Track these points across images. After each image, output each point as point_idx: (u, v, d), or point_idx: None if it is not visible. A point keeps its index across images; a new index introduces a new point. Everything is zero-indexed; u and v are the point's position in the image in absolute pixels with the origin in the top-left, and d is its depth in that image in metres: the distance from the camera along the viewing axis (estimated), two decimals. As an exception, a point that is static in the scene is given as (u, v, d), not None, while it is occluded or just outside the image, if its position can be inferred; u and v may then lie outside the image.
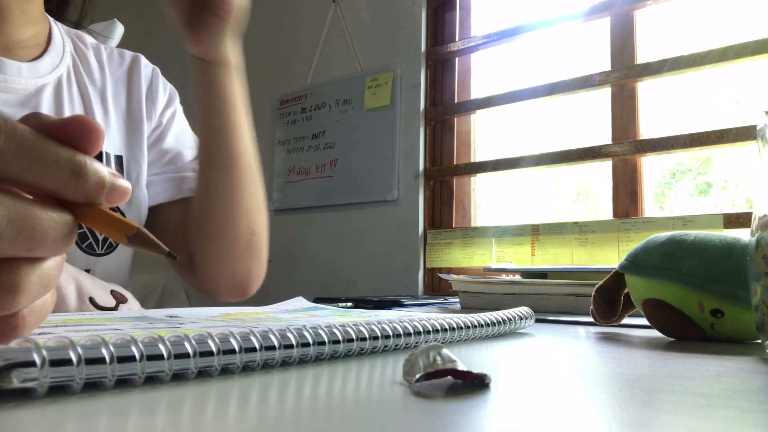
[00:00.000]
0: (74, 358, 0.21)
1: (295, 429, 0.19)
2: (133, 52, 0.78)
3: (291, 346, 0.29)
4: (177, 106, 0.80)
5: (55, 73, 0.66)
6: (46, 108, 0.64)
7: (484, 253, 1.56)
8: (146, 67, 0.78)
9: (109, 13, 0.89)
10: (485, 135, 1.74)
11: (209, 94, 0.67)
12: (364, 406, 0.22)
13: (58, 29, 0.70)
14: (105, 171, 0.25)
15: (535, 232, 1.45)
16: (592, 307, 0.62)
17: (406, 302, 0.96)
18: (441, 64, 1.76)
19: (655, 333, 0.56)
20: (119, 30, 0.88)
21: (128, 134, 0.72)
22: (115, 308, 0.53)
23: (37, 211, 0.23)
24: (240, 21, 0.69)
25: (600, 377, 0.31)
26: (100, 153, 0.67)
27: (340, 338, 0.32)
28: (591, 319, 0.65)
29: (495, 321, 0.45)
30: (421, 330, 0.38)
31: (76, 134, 0.24)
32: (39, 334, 0.31)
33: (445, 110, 1.72)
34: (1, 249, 0.22)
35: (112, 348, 0.22)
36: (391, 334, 0.35)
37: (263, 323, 0.39)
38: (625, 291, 0.60)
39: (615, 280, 0.60)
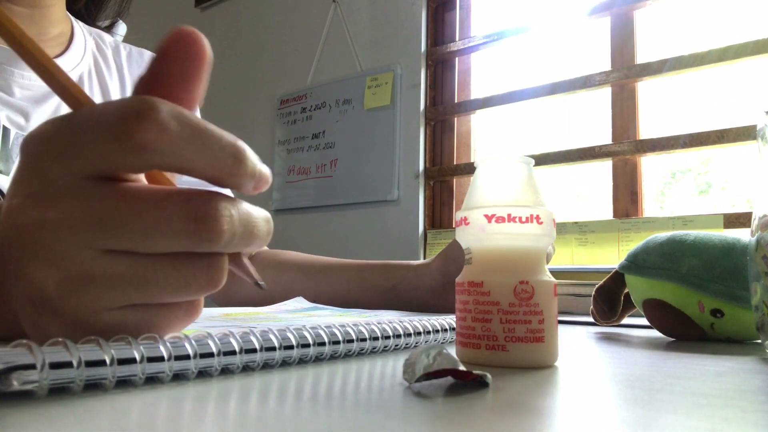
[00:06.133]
0: (74, 361, 0.21)
1: (294, 429, 0.19)
2: (152, 53, 0.78)
3: (291, 347, 0.29)
4: (198, 114, 0.80)
5: (77, 70, 0.67)
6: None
7: (484, 253, 1.55)
8: None
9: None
10: (485, 135, 1.74)
11: None
12: (364, 406, 0.22)
13: (80, 29, 0.71)
14: (257, 158, 0.26)
15: (535, 232, 1.44)
16: (592, 307, 0.62)
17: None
18: (441, 64, 1.76)
19: (655, 333, 0.56)
20: (122, 29, 0.88)
21: None
22: None
23: (252, 211, 0.26)
24: None
25: (600, 377, 0.31)
26: None
27: (340, 339, 0.32)
28: (591, 319, 0.65)
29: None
30: (421, 330, 0.38)
31: (180, 59, 0.26)
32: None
33: (445, 110, 1.72)
34: (233, 246, 0.25)
35: (112, 350, 0.22)
36: (391, 334, 0.35)
37: (263, 323, 0.39)
38: (625, 291, 0.60)
39: (615, 280, 0.60)
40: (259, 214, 0.26)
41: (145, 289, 0.24)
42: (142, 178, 0.26)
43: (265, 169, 0.27)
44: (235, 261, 0.27)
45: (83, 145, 0.23)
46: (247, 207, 0.26)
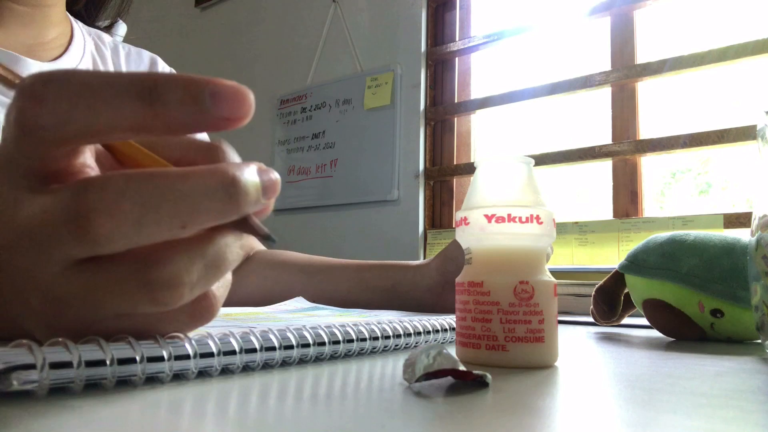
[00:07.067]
0: (74, 361, 0.21)
1: (295, 429, 0.19)
2: (151, 53, 0.78)
3: (291, 347, 0.29)
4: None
5: None
6: None
7: (484, 253, 1.55)
8: (164, 70, 0.78)
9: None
10: (485, 135, 1.74)
11: None
12: (364, 406, 0.22)
13: (80, 29, 0.71)
14: (195, 80, 0.21)
15: (535, 232, 1.44)
16: (592, 307, 0.62)
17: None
18: (441, 64, 1.76)
19: (655, 333, 0.56)
20: (122, 29, 0.88)
21: None
22: None
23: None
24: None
25: (600, 377, 0.31)
26: None
27: (340, 339, 0.32)
28: (591, 319, 0.65)
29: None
30: (421, 330, 0.38)
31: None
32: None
33: (445, 110, 1.72)
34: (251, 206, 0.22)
35: (112, 350, 0.22)
36: (391, 334, 0.35)
37: (263, 323, 0.39)
38: (625, 291, 0.60)
39: (615, 280, 0.60)
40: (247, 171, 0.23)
41: (100, 311, 0.23)
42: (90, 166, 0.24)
43: (221, 87, 0.21)
44: (242, 223, 0.24)
45: (8, 148, 0.22)
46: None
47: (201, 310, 0.25)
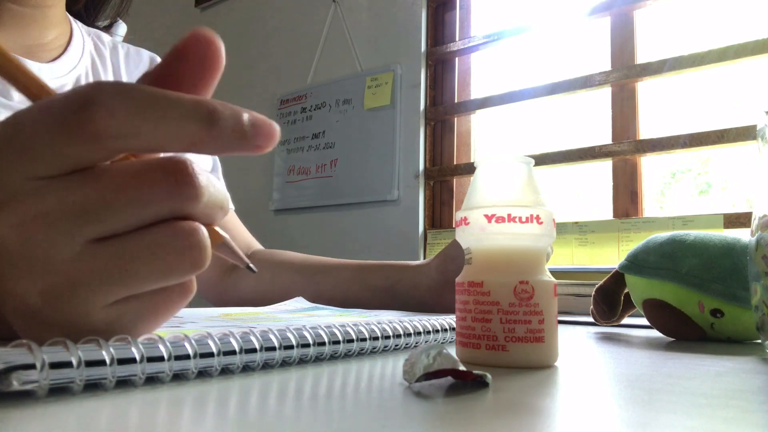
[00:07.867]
0: (74, 361, 0.21)
1: (295, 429, 0.19)
2: (150, 52, 0.78)
3: (291, 347, 0.29)
4: None
5: (74, 73, 0.66)
6: None
7: (484, 253, 1.55)
8: None
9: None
10: (485, 135, 1.74)
11: None
12: (364, 406, 0.22)
13: (79, 29, 0.70)
14: (240, 111, 0.24)
15: (535, 232, 1.44)
16: (592, 307, 0.62)
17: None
18: (441, 64, 1.76)
19: (655, 333, 0.56)
20: (122, 29, 0.88)
21: None
22: None
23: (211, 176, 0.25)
24: None
25: (600, 377, 0.31)
26: None
27: (340, 339, 0.32)
28: (591, 319, 0.65)
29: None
30: (421, 330, 0.38)
31: (194, 61, 0.25)
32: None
33: (445, 110, 1.72)
34: (210, 207, 0.24)
35: (112, 350, 0.22)
36: (391, 334, 0.35)
37: (263, 323, 0.39)
38: (625, 291, 0.60)
39: (615, 280, 0.60)
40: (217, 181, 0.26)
41: (129, 284, 0.23)
42: None
43: (259, 120, 0.24)
44: (222, 246, 0.26)
45: (34, 146, 0.22)
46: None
47: (189, 287, 0.26)
